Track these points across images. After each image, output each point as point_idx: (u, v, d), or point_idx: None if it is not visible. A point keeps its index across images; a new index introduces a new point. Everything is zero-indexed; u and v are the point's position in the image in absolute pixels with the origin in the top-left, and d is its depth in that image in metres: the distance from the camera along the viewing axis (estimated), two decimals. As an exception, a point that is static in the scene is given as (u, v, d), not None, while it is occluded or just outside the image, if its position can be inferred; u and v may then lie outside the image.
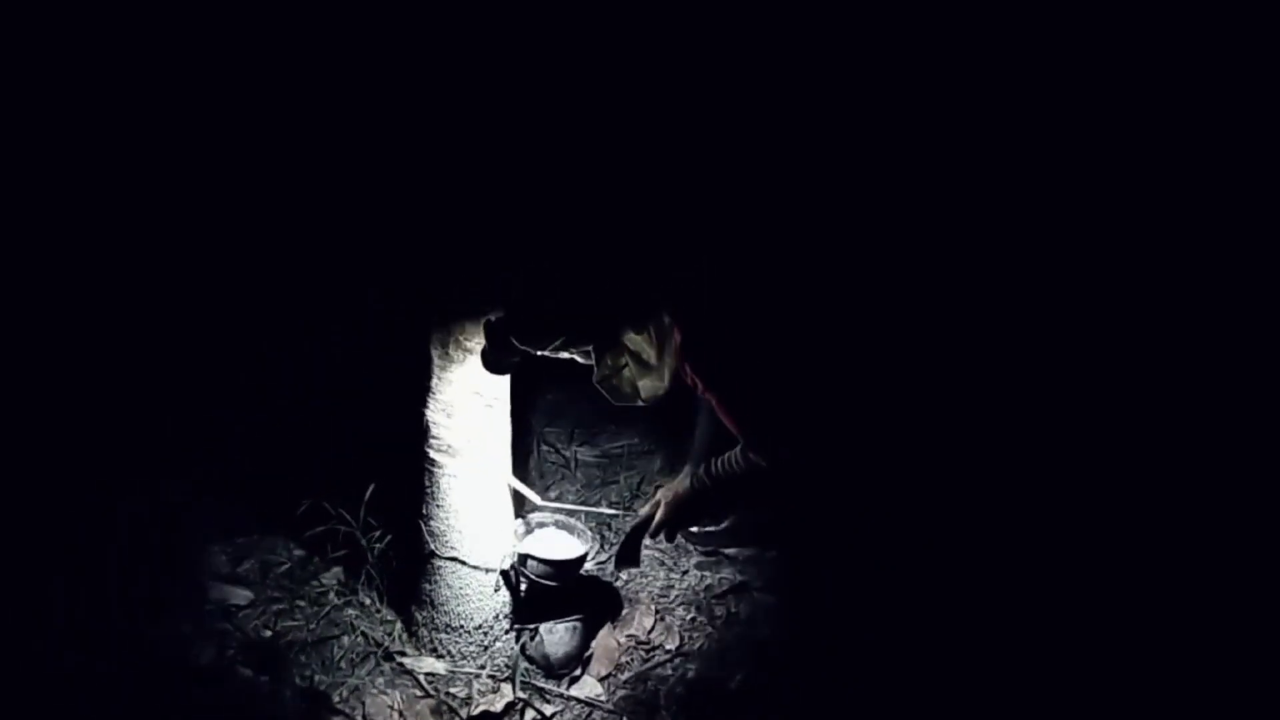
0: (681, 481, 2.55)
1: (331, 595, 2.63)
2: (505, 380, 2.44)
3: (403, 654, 2.51)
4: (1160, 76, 2.83)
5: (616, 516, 2.74)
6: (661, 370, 2.21)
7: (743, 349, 2.30)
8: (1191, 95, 2.82)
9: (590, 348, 2.17)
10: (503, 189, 2.39)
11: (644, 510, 2.59)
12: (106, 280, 3.63)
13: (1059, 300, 3.03)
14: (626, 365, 2.18)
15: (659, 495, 2.61)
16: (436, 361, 2.38)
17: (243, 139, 3.59)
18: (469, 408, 2.39)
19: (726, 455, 2.44)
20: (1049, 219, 3.00)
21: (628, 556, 2.66)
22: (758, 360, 2.30)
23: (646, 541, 2.71)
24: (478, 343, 2.33)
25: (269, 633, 2.51)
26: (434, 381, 2.40)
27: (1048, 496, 2.87)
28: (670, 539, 2.73)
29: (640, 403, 2.24)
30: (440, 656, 2.51)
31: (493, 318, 2.27)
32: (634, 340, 2.18)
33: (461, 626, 2.50)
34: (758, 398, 2.32)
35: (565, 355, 2.22)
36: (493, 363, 2.32)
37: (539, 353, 2.22)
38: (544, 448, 3.31)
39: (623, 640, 2.64)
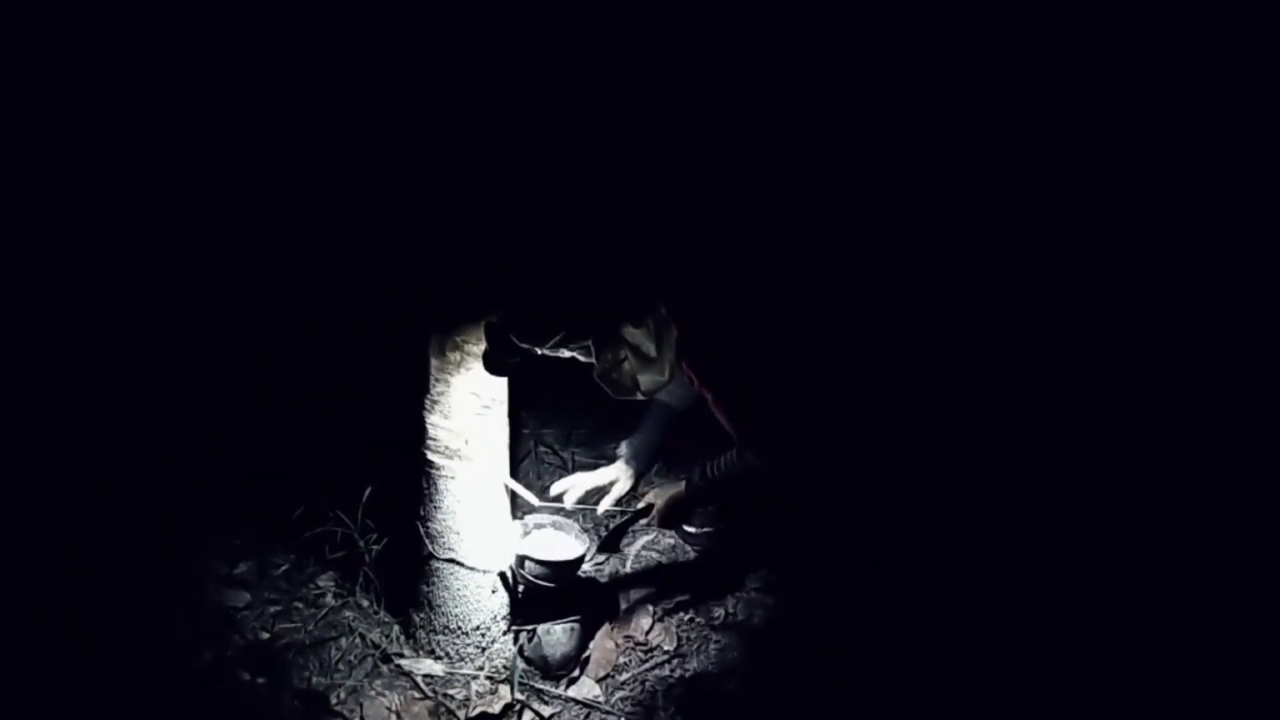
0: (675, 484, 2.55)
1: (329, 597, 2.63)
2: (503, 382, 2.44)
3: (400, 656, 2.51)
4: (1160, 76, 2.82)
5: (615, 515, 2.75)
6: (661, 363, 2.22)
7: (740, 347, 2.30)
8: (1191, 95, 2.81)
9: (589, 343, 2.18)
10: (502, 189, 2.39)
11: (638, 506, 2.60)
12: (107, 280, 3.64)
13: (1058, 300, 3.02)
14: (626, 359, 2.19)
15: (651, 495, 2.61)
16: (434, 364, 2.38)
17: (244, 140, 3.60)
18: (466, 410, 2.39)
19: (721, 456, 2.44)
20: (1047, 220, 2.98)
21: (610, 545, 2.72)
22: (754, 359, 2.31)
23: (644, 541, 2.73)
24: (476, 344, 2.33)
25: (266, 635, 2.51)
26: (431, 383, 2.40)
27: (1047, 496, 2.86)
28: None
29: (640, 396, 2.25)
30: (438, 658, 2.52)
31: (492, 319, 2.27)
32: (633, 334, 2.19)
33: (459, 628, 2.50)
34: (753, 396, 2.32)
35: (565, 353, 2.22)
36: (493, 364, 2.33)
37: (540, 351, 2.22)
38: (541, 449, 3.30)
39: (620, 641, 2.64)
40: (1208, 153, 2.84)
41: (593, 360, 2.20)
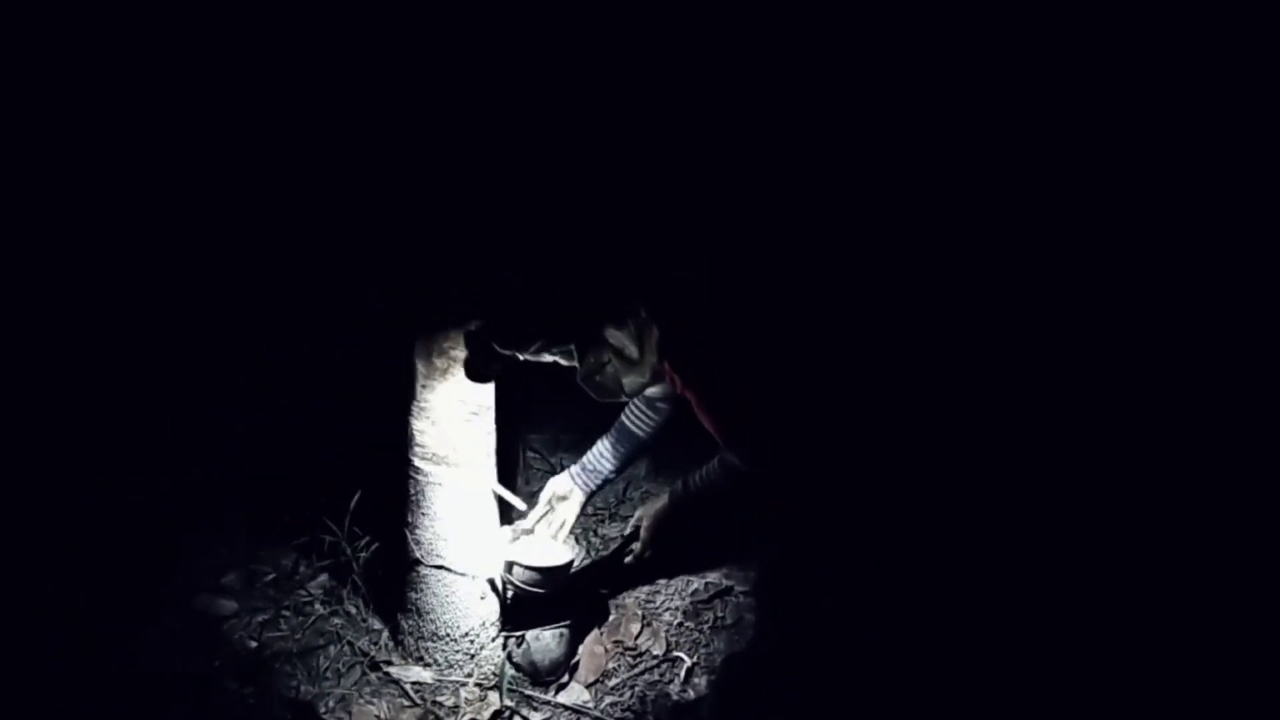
0: (659, 500, 2.53)
1: (317, 605, 2.63)
2: (490, 387, 2.43)
3: (389, 663, 2.51)
4: (1160, 76, 2.76)
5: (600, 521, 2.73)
6: (643, 366, 2.21)
7: (730, 348, 2.27)
8: (1191, 95, 2.75)
9: (572, 347, 2.16)
10: (503, 189, 2.37)
11: (628, 534, 2.57)
12: (108, 281, 3.66)
13: (1055, 301, 2.97)
14: (609, 361, 2.18)
15: (638, 516, 2.58)
16: (421, 370, 2.37)
17: (245, 140, 3.60)
18: (454, 415, 2.39)
19: (704, 467, 2.42)
20: (1042, 224, 2.94)
21: (612, 582, 2.69)
22: (744, 360, 2.28)
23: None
24: (462, 350, 2.32)
25: (254, 643, 2.52)
26: (418, 389, 2.39)
27: (1048, 496, 2.83)
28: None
29: (624, 398, 2.24)
30: (427, 665, 2.52)
31: (474, 326, 2.26)
32: (615, 336, 2.18)
33: (448, 635, 2.49)
34: (741, 398, 2.29)
35: (548, 358, 2.21)
36: (476, 371, 2.32)
37: (522, 357, 2.21)
38: (529, 455, 3.30)
39: (610, 646, 2.64)
40: (1208, 153, 2.78)
41: (575, 364, 2.19)
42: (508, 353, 2.22)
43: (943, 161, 2.88)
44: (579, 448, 2.73)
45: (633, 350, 2.20)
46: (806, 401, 2.36)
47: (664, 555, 2.84)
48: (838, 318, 2.44)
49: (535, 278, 2.23)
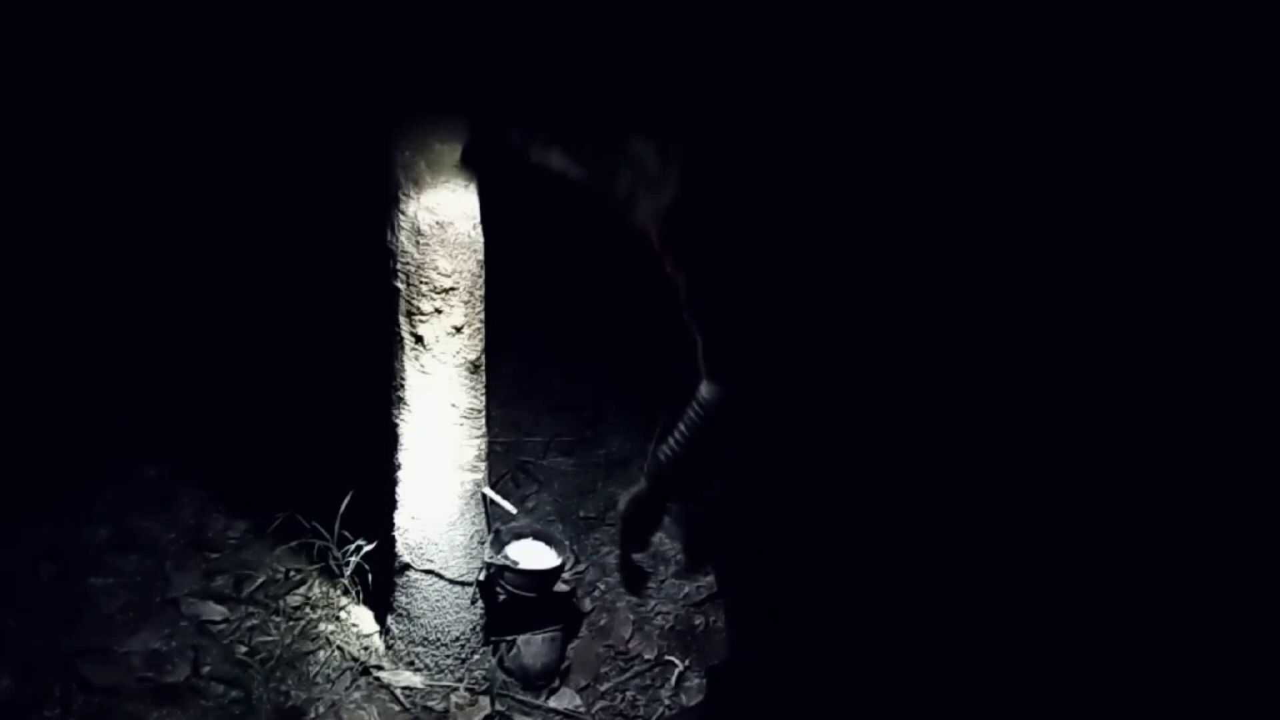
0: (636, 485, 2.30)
1: (308, 609, 2.62)
2: (480, 391, 2.42)
3: (380, 668, 2.50)
4: (1160, 76, 2.76)
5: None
6: (663, 188, 1.92)
7: (738, 239, 2.02)
8: (1191, 95, 2.75)
9: (588, 148, 1.96)
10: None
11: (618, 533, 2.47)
12: (104, 279, 3.66)
13: (1061, 294, 2.97)
14: (626, 173, 1.94)
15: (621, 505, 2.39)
16: (411, 369, 2.36)
17: (240, 137, 3.59)
18: (444, 419, 2.38)
19: (673, 429, 2.16)
20: (1050, 207, 2.93)
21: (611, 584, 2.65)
22: (749, 259, 2.02)
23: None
24: (448, 338, 2.28)
25: (244, 648, 2.50)
26: (408, 394, 2.38)
27: (1048, 494, 2.83)
28: (644, 547, 2.58)
29: (633, 224, 1.96)
30: (418, 670, 2.51)
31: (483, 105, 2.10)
32: (639, 146, 1.92)
33: (439, 639, 2.49)
34: (732, 296, 1.97)
35: (556, 161, 1.98)
36: (473, 158, 2.18)
37: (531, 152, 1.98)
38: (520, 458, 3.29)
39: (601, 650, 2.64)
40: (1208, 153, 2.78)
41: (586, 172, 1.97)
42: (515, 139, 2.00)
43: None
44: (570, 451, 2.72)
45: (654, 166, 1.91)
46: (805, 357, 2.14)
47: (658, 558, 2.85)
48: (854, 294, 2.27)
49: (562, 72, 1.96)
